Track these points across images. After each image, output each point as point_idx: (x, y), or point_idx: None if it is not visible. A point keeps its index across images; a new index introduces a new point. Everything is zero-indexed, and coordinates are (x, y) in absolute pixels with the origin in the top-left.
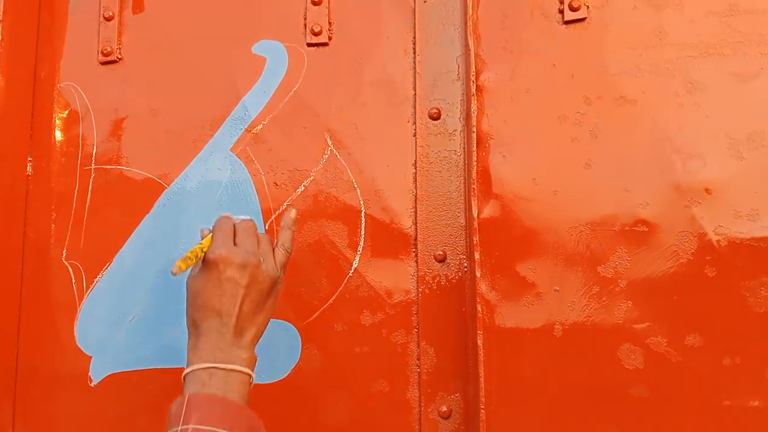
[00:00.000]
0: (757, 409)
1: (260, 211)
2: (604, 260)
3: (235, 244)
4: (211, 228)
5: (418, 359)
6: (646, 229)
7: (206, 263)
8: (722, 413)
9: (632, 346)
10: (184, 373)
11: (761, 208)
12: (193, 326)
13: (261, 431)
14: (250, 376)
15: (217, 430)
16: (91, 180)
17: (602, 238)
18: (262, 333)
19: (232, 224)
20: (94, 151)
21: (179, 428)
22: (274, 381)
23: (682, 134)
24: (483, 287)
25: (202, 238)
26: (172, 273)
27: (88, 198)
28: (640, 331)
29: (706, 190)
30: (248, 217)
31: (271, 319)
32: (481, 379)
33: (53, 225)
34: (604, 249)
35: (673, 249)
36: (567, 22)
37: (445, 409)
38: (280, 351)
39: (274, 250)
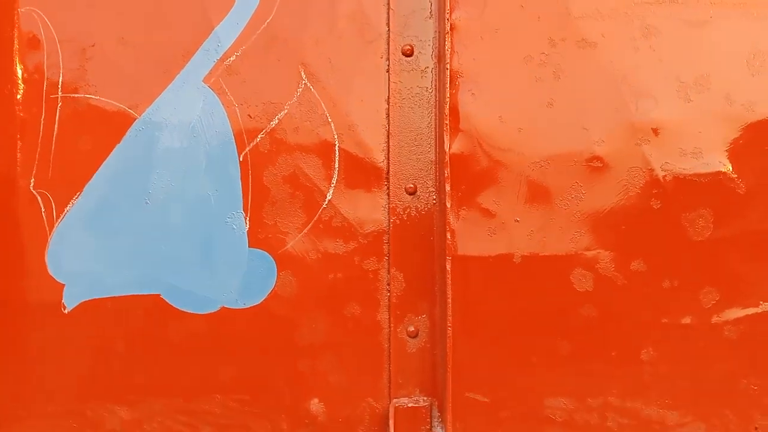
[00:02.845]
0: (690, 326)
1: (234, 142)
2: (561, 193)
3: None
4: None
5: (388, 284)
6: (601, 165)
7: None
8: (661, 330)
9: (583, 270)
10: None
11: (704, 147)
12: None
13: None
14: None
15: None
16: (59, 108)
17: (560, 173)
18: None
19: None
20: (61, 79)
21: None
22: (250, 306)
23: (637, 77)
24: (451, 218)
25: None
26: None
27: (56, 127)
28: (590, 258)
29: (656, 130)
30: None
31: (248, 248)
32: (449, 301)
33: (20, 154)
34: (562, 183)
35: (623, 183)
36: None
37: (413, 329)
38: (256, 277)
39: None
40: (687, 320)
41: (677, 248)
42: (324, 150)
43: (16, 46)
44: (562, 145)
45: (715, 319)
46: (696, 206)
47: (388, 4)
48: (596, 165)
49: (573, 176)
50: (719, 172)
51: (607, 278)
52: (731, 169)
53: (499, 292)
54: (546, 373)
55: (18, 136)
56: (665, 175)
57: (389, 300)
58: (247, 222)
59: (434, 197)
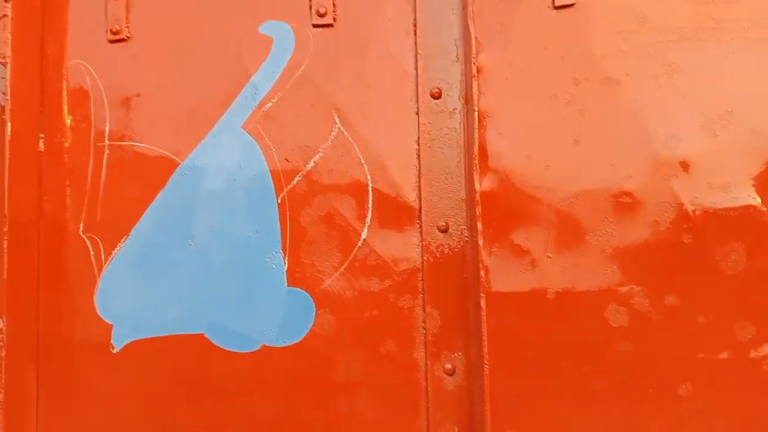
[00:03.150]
0: (727, 362)
1: (272, 185)
2: (592, 229)
3: None
4: None
5: (424, 322)
6: (630, 200)
7: None
8: (697, 365)
9: (618, 306)
10: None
11: (732, 180)
12: None
13: None
14: None
15: None
16: (105, 156)
17: (590, 209)
18: None
19: None
20: (107, 127)
21: None
22: (290, 344)
23: (662, 113)
24: (484, 255)
25: None
26: None
27: (103, 174)
28: (624, 293)
29: (683, 164)
30: None
31: (287, 287)
32: (484, 338)
33: (69, 200)
34: (592, 219)
35: (653, 218)
36: (557, 7)
37: (450, 367)
38: (295, 316)
39: None
40: (724, 355)
41: (710, 283)
42: (358, 190)
43: (65, 96)
44: (590, 182)
45: (752, 353)
46: (727, 240)
47: (416, 49)
48: (625, 200)
49: (603, 212)
50: (749, 206)
51: (641, 313)
52: (761, 201)
53: (534, 329)
54: (583, 410)
55: (67, 182)
56: (695, 210)
57: (425, 337)
58: (286, 261)
59: (466, 235)
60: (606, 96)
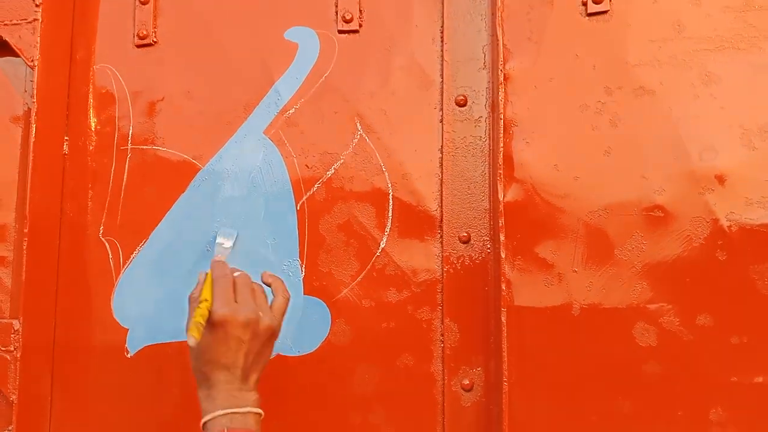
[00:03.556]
0: (762, 386)
1: (292, 191)
2: (621, 243)
3: (235, 300)
4: (204, 273)
5: (442, 335)
6: (662, 215)
7: (212, 323)
8: (730, 389)
9: (646, 324)
10: (203, 421)
11: None
12: (204, 378)
13: None
14: (261, 414)
15: None
16: (128, 160)
17: (620, 223)
18: (262, 372)
19: (231, 279)
20: (131, 131)
21: None
22: (304, 354)
23: (698, 124)
24: (506, 268)
25: (199, 283)
26: (190, 345)
27: (125, 177)
28: (653, 311)
29: (719, 178)
30: (241, 271)
31: (304, 296)
32: (504, 354)
33: (90, 203)
34: (621, 233)
35: (686, 233)
36: (590, 15)
37: (468, 383)
38: (311, 326)
39: (274, 295)
40: (759, 379)
41: (746, 302)
42: (378, 199)
43: (91, 100)
44: (620, 194)
45: None
46: (765, 258)
47: (442, 55)
48: (657, 214)
49: (633, 226)
50: None
51: (671, 333)
52: None
53: (557, 346)
54: None
55: (89, 185)
56: (731, 225)
57: (443, 351)
58: (303, 269)
59: (488, 246)
60: (639, 106)
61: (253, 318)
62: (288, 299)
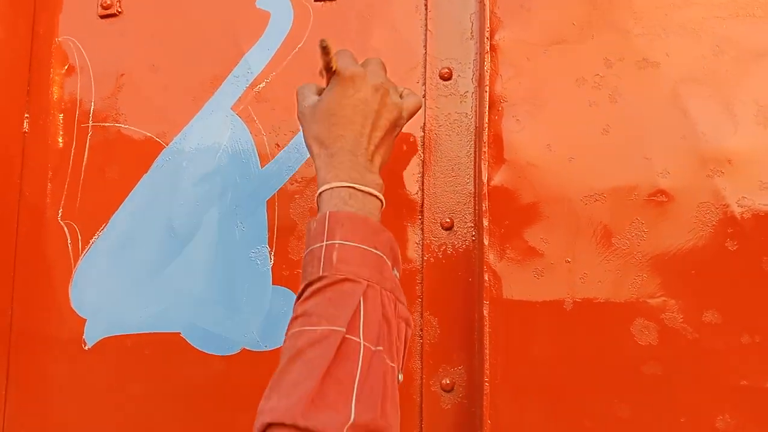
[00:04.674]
0: None
1: (261, 173)
2: (619, 231)
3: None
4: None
5: (421, 330)
6: (666, 200)
7: (341, 79)
8: (739, 393)
9: (646, 321)
10: (320, 190)
11: None
12: (321, 145)
13: (399, 254)
14: (383, 202)
15: (363, 246)
16: (89, 138)
17: (618, 208)
18: (386, 162)
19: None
20: (92, 107)
21: (324, 244)
22: (273, 349)
23: (707, 100)
24: (491, 257)
25: (323, 48)
26: (321, 43)
27: (85, 156)
28: (654, 306)
29: (730, 159)
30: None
31: (272, 285)
32: (486, 352)
33: (50, 184)
34: (620, 219)
35: (693, 221)
36: None
37: (448, 382)
38: (280, 318)
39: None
40: None
41: (758, 297)
42: None
43: (52, 74)
44: (620, 177)
45: None
46: None
47: (426, 25)
48: (660, 199)
49: (633, 212)
50: None
51: (674, 331)
52: None
53: (547, 344)
54: None
55: (49, 165)
56: (743, 212)
57: (422, 348)
58: (272, 258)
59: (473, 234)
60: (642, 79)
61: (385, 85)
62: (421, 104)
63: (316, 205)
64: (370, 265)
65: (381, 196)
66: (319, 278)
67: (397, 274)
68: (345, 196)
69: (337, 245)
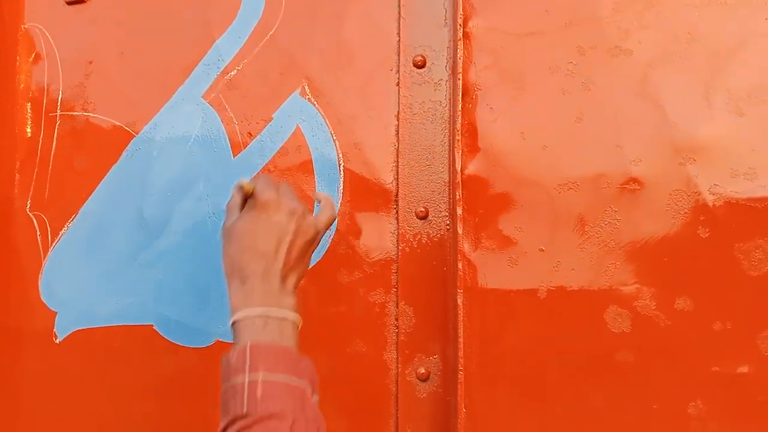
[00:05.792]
0: (746, 376)
1: (233, 161)
2: (593, 219)
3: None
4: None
5: (396, 320)
6: (638, 188)
7: (256, 205)
8: (711, 380)
9: (619, 309)
10: (234, 319)
11: (759, 166)
12: (237, 269)
13: (317, 381)
14: (298, 323)
15: (286, 379)
16: (57, 127)
17: (592, 196)
18: (300, 281)
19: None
20: (60, 96)
21: (246, 378)
22: None
23: (679, 88)
24: (465, 245)
25: (240, 188)
26: (228, 208)
27: (54, 146)
28: (627, 294)
29: (702, 147)
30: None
31: None
32: (461, 341)
33: (18, 174)
34: (594, 208)
35: (665, 208)
36: None
37: (423, 371)
38: None
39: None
40: (743, 369)
41: (730, 284)
42: (327, 170)
43: (18, 63)
44: (592, 165)
45: None
46: (752, 235)
47: (399, 11)
48: (633, 187)
49: (606, 200)
50: None
51: (647, 318)
52: None
53: (521, 332)
54: (574, 428)
55: (17, 155)
56: (714, 200)
57: (397, 337)
58: None
59: (448, 223)
60: (615, 67)
61: (300, 210)
62: (335, 218)
63: (231, 331)
64: (293, 398)
65: (296, 317)
66: (244, 415)
67: (316, 399)
68: (260, 324)
69: (260, 381)
